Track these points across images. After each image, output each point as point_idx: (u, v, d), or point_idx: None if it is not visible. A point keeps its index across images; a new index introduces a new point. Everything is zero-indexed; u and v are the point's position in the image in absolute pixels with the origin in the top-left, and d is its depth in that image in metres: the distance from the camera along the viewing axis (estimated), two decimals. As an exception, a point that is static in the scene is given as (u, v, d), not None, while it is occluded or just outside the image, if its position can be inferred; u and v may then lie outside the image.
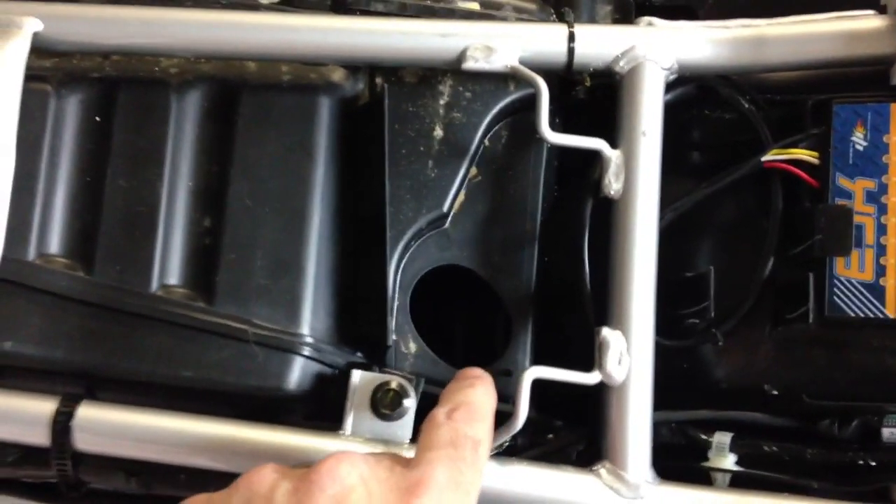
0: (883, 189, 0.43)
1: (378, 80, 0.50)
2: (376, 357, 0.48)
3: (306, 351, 0.46)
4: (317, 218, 0.48)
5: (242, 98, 0.49)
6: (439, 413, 0.39)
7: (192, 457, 0.45)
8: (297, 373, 0.46)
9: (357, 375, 0.46)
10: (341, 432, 0.45)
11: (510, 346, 0.49)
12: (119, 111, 0.49)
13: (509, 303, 0.50)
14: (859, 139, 0.44)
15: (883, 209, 0.43)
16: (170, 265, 0.48)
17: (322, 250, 0.48)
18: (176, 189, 0.49)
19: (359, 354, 0.49)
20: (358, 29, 0.48)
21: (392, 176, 0.49)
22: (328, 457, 0.36)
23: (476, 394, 0.41)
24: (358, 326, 0.49)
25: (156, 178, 0.48)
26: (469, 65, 0.47)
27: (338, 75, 0.50)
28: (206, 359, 0.46)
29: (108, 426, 0.46)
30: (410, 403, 0.45)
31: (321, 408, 0.47)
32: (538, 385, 0.45)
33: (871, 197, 0.44)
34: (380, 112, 0.49)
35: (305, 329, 0.47)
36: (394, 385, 0.45)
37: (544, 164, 0.51)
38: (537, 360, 0.49)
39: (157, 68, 0.49)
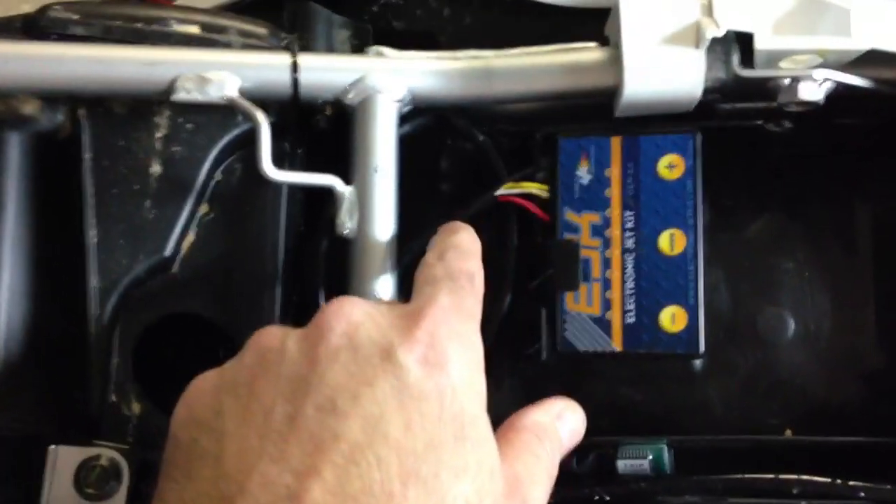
0: (607, 222, 0.43)
1: (81, 112, 0.44)
2: (90, 426, 0.43)
3: (-5, 428, 0.40)
4: (7, 272, 0.42)
5: None
6: (430, 256, 0.39)
7: None
8: (-15, 453, 0.40)
9: (55, 452, 0.40)
10: (36, 520, 0.39)
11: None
12: None
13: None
14: (584, 173, 0.44)
15: (607, 243, 0.43)
16: None
17: (16, 310, 0.42)
18: None
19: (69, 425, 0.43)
20: (51, 56, 0.42)
21: (101, 219, 0.43)
22: (330, 302, 0.35)
23: (461, 237, 0.40)
24: (65, 393, 0.43)
25: None
26: (180, 96, 0.43)
27: (30, 107, 0.43)
28: None
29: None
30: (122, 479, 0.40)
31: (27, 491, 0.41)
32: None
33: (597, 230, 0.43)
34: (78, 147, 0.43)
35: (-7, 402, 0.41)
36: (102, 460, 0.40)
37: (285, 199, 0.47)
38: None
39: None
